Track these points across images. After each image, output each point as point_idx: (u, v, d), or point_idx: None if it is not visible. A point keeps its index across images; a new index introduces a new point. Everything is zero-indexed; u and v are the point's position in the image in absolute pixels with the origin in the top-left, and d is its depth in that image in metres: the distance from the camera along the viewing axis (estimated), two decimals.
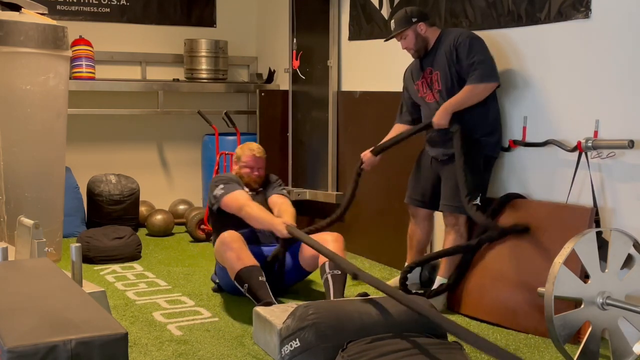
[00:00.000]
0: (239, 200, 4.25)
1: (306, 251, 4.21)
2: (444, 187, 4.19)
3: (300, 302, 3.37)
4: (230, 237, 4.06)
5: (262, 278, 3.91)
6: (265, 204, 4.40)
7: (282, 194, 4.52)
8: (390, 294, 3.20)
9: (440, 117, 4.05)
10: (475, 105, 4.03)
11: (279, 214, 4.28)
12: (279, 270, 4.27)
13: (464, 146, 3.99)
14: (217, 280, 4.43)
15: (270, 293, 3.86)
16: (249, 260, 3.98)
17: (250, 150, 4.50)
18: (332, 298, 3.90)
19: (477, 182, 4.12)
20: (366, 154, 4.44)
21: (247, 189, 4.45)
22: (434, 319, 3.02)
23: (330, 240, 4.13)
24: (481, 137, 4.09)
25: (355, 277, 3.58)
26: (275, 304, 3.76)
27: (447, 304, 4.16)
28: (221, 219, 4.36)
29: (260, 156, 4.50)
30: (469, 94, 3.99)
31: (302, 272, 4.37)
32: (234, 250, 4.00)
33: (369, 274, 3.60)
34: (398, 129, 4.43)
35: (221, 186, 4.35)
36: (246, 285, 3.89)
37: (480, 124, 4.07)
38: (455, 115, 4.04)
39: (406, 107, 4.44)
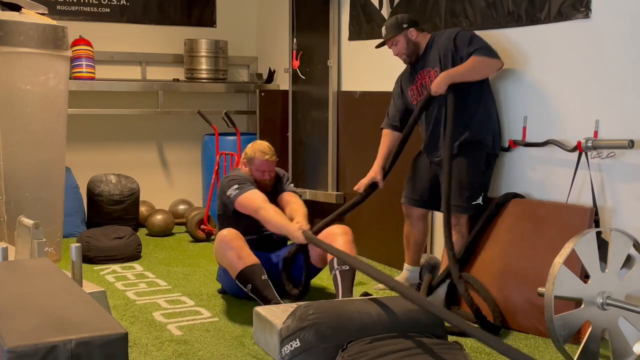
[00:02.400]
0: (255, 201, 4.10)
1: (316, 249, 4.17)
2: None
3: (301, 302, 3.37)
4: (230, 235, 4.02)
5: (265, 277, 3.90)
6: (275, 202, 4.26)
7: (293, 191, 4.45)
8: (402, 292, 3.26)
9: (438, 85, 3.99)
10: (472, 103, 4.04)
11: (290, 214, 4.18)
12: (286, 272, 4.26)
13: (455, 115, 3.98)
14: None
15: (275, 292, 3.86)
16: (250, 258, 3.95)
17: (262, 154, 4.31)
18: (340, 294, 3.89)
19: (479, 181, 4.13)
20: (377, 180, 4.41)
21: None
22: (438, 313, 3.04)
23: (339, 233, 4.13)
24: (481, 137, 4.09)
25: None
26: (281, 303, 3.76)
27: (446, 304, 4.16)
28: (230, 221, 4.24)
29: (273, 160, 4.35)
30: (473, 64, 3.96)
31: (313, 269, 4.33)
32: (234, 249, 3.96)
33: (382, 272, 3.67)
34: (387, 138, 4.42)
35: (235, 186, 4.19)
36: (249, 285, 3.88)
37: (479, 123, 4.08)
38: (449, 122, 4.04)
39: (393, 113, 4.44)
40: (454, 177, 4.10)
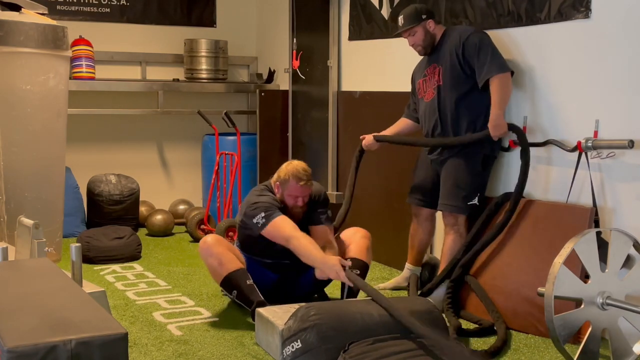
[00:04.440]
0: (285, 230, 3.79)
1: None
2: (442, 186, 4.20)
3: (303, 303, 3.37)
4: (212, 241, 3.88)
5: (250, 281, 3.80)
6: (306, 230, 3.94)
7: (327, 226, 4.06)
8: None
9: (496, 128, 3.93)
10: (472, 106, 4.04)
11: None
12: (289, 287, 4.10)
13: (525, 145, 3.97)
14: None
15: (260, 294, 3.76)
16: (234, 264, 3.84)
17: (296, 179, 3.91)
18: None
19: (476, 182, 4.13)
20: (367, 136, 4.46)
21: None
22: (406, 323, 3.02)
23: (359, 237, 4.08)
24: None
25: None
26: (267, 304, 3.67)
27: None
28: (251, 240, 4.02)
29: (308, 186, 3.96)
30: (501, 85, 3.92)
31: (320, 283, 4.09)
32: (214, 255, 3.83)
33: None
34: (403, 122, 4.47)
35: (262, 214, 3.83)
36: (235, 291, 3.80)
37: (476, 124, 4.08)
38: (451, 120, 4.07)
39: (413, 105, 4.45)
40: (450, 177, 4.11)
